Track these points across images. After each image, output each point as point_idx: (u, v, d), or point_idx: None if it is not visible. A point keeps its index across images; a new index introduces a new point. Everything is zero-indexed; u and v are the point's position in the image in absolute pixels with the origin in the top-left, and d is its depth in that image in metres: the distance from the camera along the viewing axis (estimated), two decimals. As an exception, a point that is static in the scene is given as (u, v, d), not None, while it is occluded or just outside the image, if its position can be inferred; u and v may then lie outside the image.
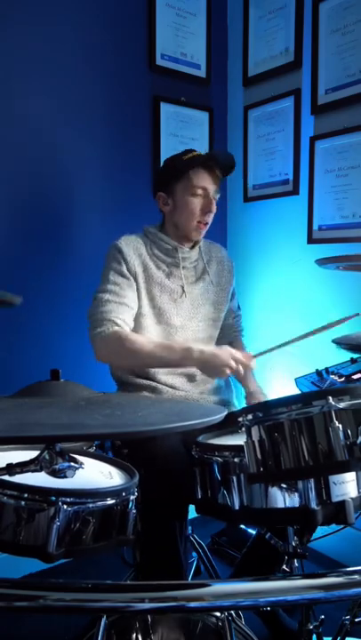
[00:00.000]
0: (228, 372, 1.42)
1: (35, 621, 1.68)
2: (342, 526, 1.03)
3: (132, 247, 1.62)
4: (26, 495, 0.92)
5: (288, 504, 1.01)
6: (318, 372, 1.54)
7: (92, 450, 1.22)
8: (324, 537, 1.28)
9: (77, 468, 0.93)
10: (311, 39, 2.12)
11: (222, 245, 1.89)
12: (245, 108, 2.42)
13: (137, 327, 1.61)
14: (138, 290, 1.60)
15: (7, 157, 1.94)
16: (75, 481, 0.95)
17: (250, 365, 1.45)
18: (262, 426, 1.02)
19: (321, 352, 1.64)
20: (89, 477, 1.06)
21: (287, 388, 1.70)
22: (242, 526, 2.14)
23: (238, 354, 1.43)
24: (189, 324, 1.67)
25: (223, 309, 1.77)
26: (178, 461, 1.32)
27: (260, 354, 1.50)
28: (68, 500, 0.92)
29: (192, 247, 1.70)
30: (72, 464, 0.93)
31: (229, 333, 1.84)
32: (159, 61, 2.26)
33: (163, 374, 1.63)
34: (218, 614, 1.12)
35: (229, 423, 1.04)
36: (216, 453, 1.15)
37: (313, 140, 2.14)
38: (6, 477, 0.92)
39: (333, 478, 0.98)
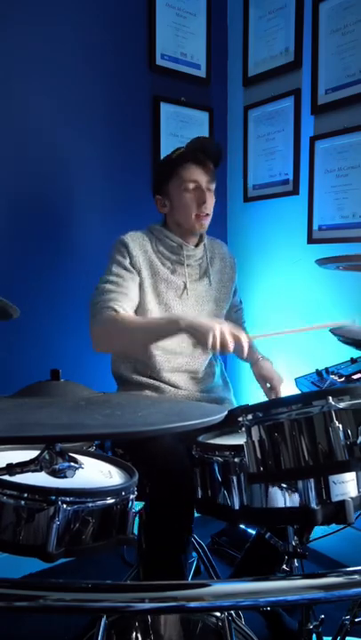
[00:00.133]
0: (211, 337, 1.32)
1: (35, 621, 1.68)
2: (342, 526, 1.03)
3: (138, 243, 1.62)
4: (26, 495, 0.92)
5: (288, 504, 1.01)
6: (318, 372, 1.55)
7: (92, 450, 1.22)
8: (324, 537, 1.28)
9: (77, 468, 0.94)
10: (311, 39, 2.12)
11: (222, 245, 1.89)
12: (245, 108, 2.42)
13: None
14: (143, 286, 1.60)
15: (7, 157, 1.94)
16: (75, 481, 0.95)
17: (242, 337, 1.36)
18: (262, 426, 1.02)
19: (321, 352, 1.64)
20: (89, 477, 1.06)
21: (287, 388, 1.70)
22: (242, 526, 2.14)
23: (228, 326, 1.37)
24: None
25: (225, 306, 1.78)
26: (178, 461, 1.32)
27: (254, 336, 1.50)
28: (68, 499, 0.92)
29: (197, 245, 1.70)
30: (72, 464, 0.93)
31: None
32: (159, 61, 2.26)
33: (165, 372, 1.63)
34: (218, 614, 1.12)
35: (229, 423, 1.04)
36: (216, 453, 1.15)
37: (313, 139, 2.14)
38: (6, 477, 0.92)
39: (333, 478, 0.98)
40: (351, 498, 0.99)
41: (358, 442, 0.96)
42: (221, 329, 1.33)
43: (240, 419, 1.06)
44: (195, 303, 1.68)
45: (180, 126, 2.33)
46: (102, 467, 1.14)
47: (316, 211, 2.15)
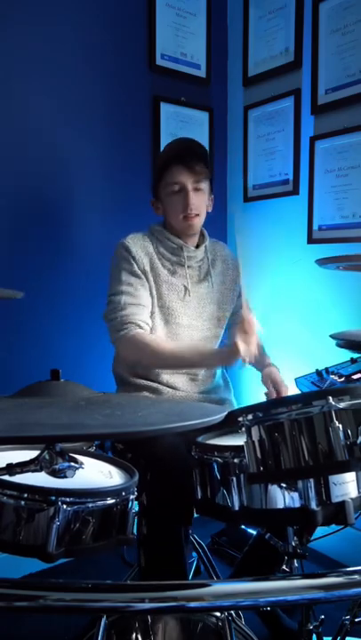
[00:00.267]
0: (246, 358, 1.42)
1: (35, 621, 1.68)
2: (342, 526, 1.03)
3: (140, 245, 1.62)
4: (26, 495, 0.92)
5: (288, 505, 1.01)
6: (318, 372, 1.55)
7: (92, 450, 1.22)
8: (324, 537, 1.28)
9: (77, 468, 0.93)
10: (311, 39, 2.12)
11: (222, 245, 1.89)
12: (245, 108, 2.42)
13: None
14: (151, 289, 1.61)
15: (7, 157, 1.94)
16: (75, 481, 0.95)
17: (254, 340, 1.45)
18: (262, 426, 1.02)
19: (321, 352, 1.64)
20: (89, 477, 1.06)
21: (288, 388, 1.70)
22: (242, 526, 2.14)
23: (241, 339, 1.44)
24: (195, 324, 1.67)
25: (228, 308, 1.77)
26: (179, 462, 1.32)
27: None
28: (68, 499, 0.92)
29: (197, 246, 1.70)
30: (72, 464, 0.93)
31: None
32: (159, 61, 2.26)
33: (165, 374, 1.63)
34: (218, 614, 1.12)
35: (229, 423, 1.04)
36: (216, 454, 1.15)
37: (313, 139, 2.14)
38: (6, 477, 0.92)
39: (333, 479, 0.98)
40: (351, 499, 0.99)
41: (358, 442, 0.95)
42: (244, 344, 1.41)
43: (240, 419, 1.06)
44: (197, 305, 1.68)
45: (180, 126, 2.33)
46: (102, 467, 1.14)
47: (316, 211, 2.15)
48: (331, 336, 1.32)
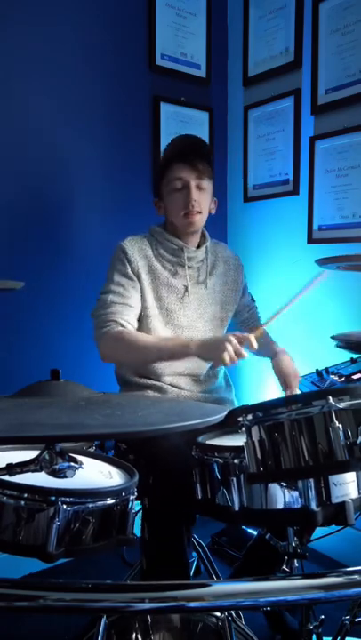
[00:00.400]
0: (226, 354, 1.36)
1: (35, 621, 1.68)
2: (342, 526, 1.03)
3: (138, 248, 1.62)
4: (26, 495, 0.92)
5: (288, 505, 1.01)
6: (318, 372, 1.55)
7: (92, 450, 1.22)
8: (324, 537, 1.28)
9: (77, 468, 0.93)
10: (311, 39, 2.12)
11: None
12: (245, 108, 2.42)
13: (145, 329, 1.60)
14: (144, 291, 1.60)
15: (7, 157, 1.94)
16: (75, 481, 0.95)
17: (249, 338, 1.42)
18: (262, 426, 1.02)
19: (321, 352, 1.64)
20: (89, 477, 1.06)
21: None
22: (242, 526, 2.14)
23: (234, 335, 1.41)
24: (196, 324, 1.67)
25: (231, 309, 1.76)
26: (181, 462, 1.32)
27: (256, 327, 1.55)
28: (68, 499, 0.92)
29: (198, 247, 1.70)
30: (72, 464, 0.93)
31: (247, 328, 1.83)
32: (159, 61, 2.26)
33: (167, 375, 1.63)
34: (218, 614, 1.12)
35: (230, 423, 1.04)
36: (216, 454, 1.15)
37: (313, 139, 2.14)
38: (6, 477, 0.92)
39: (334, 479, 0.98)
40: (351, 499, 0.99)
41: (358, 442, 0.95)
42: (230, 340, 1.37)
43: (240, 419, 1.06)
44: (197, 306, 1.67)
45: (180, 126, 2.33)
46: (102, 467, 1.14)
47: (316, 211, 2.15)
48: (332, 337, 1.32)
